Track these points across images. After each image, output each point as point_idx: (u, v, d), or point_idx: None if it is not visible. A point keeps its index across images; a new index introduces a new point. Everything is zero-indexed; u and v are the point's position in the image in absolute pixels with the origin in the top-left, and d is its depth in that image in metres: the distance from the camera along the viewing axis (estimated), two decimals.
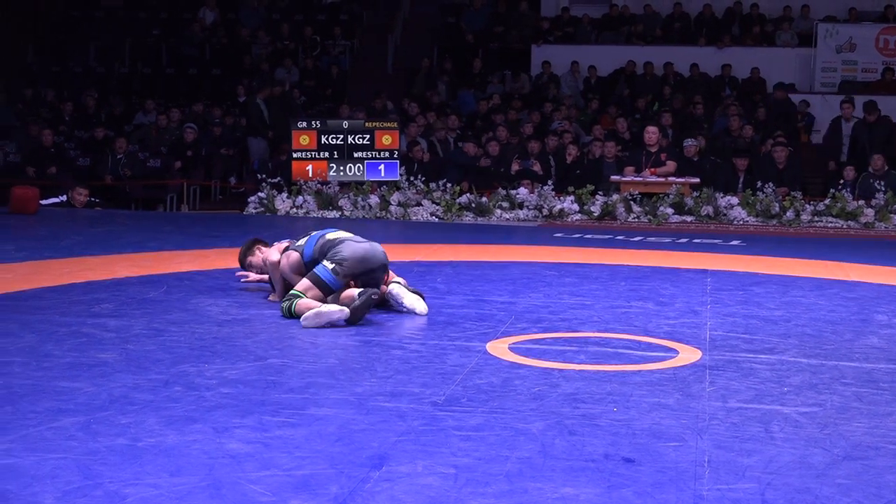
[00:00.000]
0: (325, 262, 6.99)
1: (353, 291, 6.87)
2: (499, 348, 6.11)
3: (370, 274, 7.07)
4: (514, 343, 6.27)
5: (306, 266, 7.16)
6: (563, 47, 21.46)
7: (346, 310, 6.63)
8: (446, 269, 9.32)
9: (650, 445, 4.33)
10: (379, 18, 23.03)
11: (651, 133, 15.10)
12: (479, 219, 14.13)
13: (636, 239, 12.01)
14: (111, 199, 15.60)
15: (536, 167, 15.65)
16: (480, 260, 10.04)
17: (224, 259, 9.55)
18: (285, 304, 6.93)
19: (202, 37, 21.94)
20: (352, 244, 7.09)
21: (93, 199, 14.46)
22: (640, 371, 5.64)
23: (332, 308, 6.66)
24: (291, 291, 6.99)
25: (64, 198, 14.17)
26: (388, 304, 7.22)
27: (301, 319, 6.65)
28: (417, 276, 8.81)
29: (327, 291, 6.92)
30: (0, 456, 4.07)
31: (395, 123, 15.62)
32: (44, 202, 14.08)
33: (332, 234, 7.26)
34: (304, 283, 6.98)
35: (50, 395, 4.93)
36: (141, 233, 11.51)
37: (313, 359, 5.79)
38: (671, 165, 14.84)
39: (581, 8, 22.85)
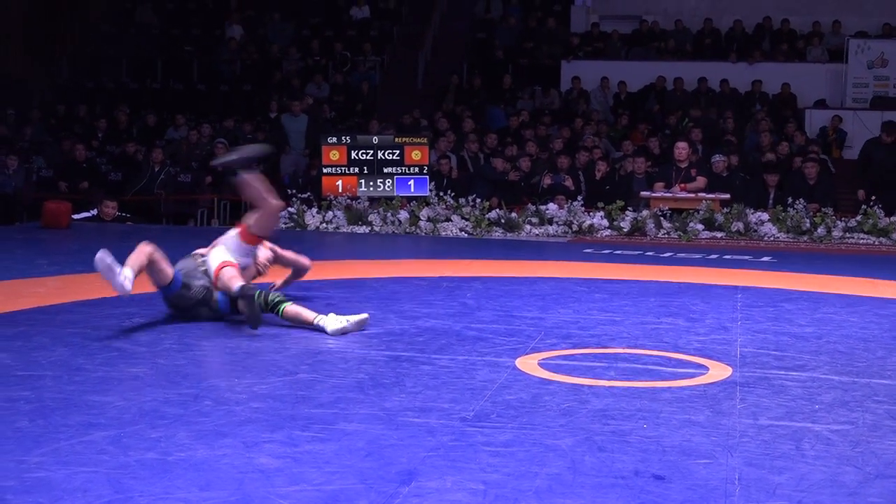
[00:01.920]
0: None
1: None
2: (528, 364, 6.10)
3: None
4: (543, 359, 6.25)
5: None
6: (593, 63, 21.45)
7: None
8: (476, 284, 9.32)
9: (680, 462, 4.32)
10: (409, 34, 23.09)
11: (681, 149, 15.06)
12: (508, 234, 14.12)
13: (666, 255, 11.98)
14: (142, 214, 15.67)
15: (568, 182, 15.64)
16: (510, 275, 10.02)
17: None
18: (272, 298, 7.07)
19: (233, 53, 22.06)
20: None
21: (122, 213, 14.53)
22: (670, 387, 5.61)
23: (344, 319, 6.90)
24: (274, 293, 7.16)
25: (95, 212, 14.25)
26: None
27: (331, 330, 6.80)
28: (447, 291, 8.82)
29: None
30: (32, 469, 4.09)
31: (425, 139, 15.65)
32: (75, 216, 14.18)
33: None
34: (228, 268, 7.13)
35: (81, 408, 4.96)
36: (172, 248, 11.52)
37: (343, 373, 5.80)
38: (701, 181, 14.79)
39: (611, 23, 22.85)
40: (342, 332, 6.84)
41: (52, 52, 22.47)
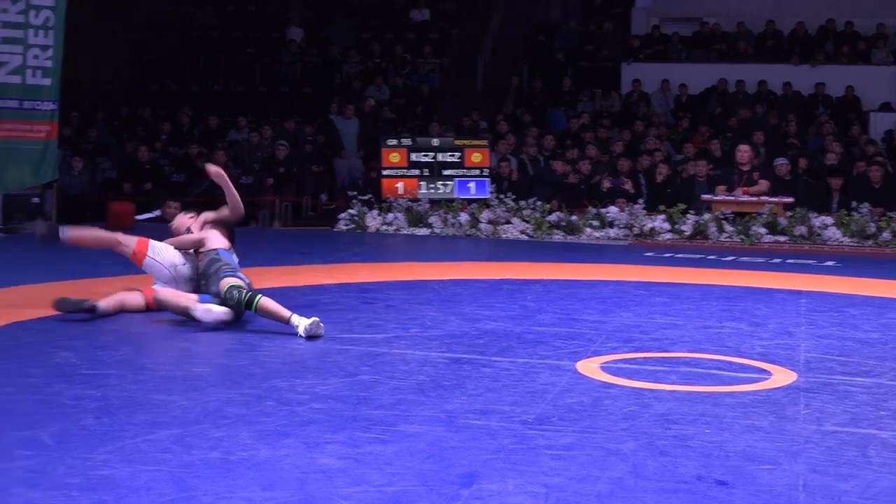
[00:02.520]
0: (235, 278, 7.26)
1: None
2: (589, 367, 6.08)
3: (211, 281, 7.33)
4: (605, 362, 6.23)
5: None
6: (654, 65, 21.31)
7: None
8: (536, 287, 9.30)
9: (743, 468, 4.28)
10: (469, 37, 23.08)
11: (743, 152, 14.93)
12: (568, 237, 14.08)
13: (728, 259, 11.89)
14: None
15: (628, 185, 15.57)
16: (570, 278, 10.00)
17: (315, 275, 9.64)
18: (246, 294, 7.06)
19: (294, 55, 22.17)
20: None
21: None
22: (732, 392, 5.57)
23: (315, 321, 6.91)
24: (237, 284, 7.17)
25: (158, 213, 14.39)
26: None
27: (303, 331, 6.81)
28: (507, 294, 8.81)
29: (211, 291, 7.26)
30: (97, 467, 4.13)
31: (486, 141, 15.63)
32: (139, 217, 14.31)
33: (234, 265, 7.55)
34: (234, 279, 7.22)
35: (145, 407, 5.01)
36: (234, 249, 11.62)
37: (404, 375, 5.81)
38: (764, 184, 14.66)
39: (672, 26, 22.69)
40: (315, 336, 6.84)
41: (116, 54, 22.71)
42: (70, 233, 7.68)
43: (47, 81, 13.50)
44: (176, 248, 7.69)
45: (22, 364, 5.88)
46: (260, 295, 7.10)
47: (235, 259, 7.66)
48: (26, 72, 13.33)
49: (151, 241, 7.69)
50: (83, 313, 7.19)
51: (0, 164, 13.25)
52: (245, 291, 7.09)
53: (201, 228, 7.83)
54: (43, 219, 7.60)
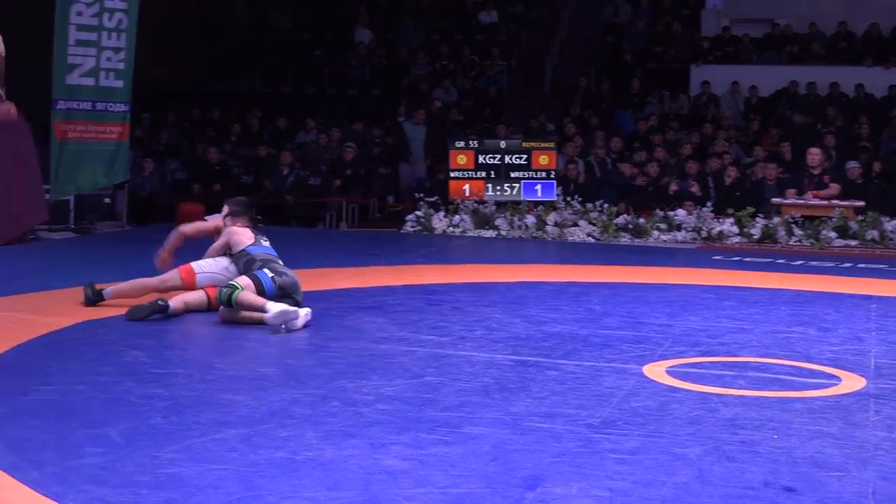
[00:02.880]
0: (266, 271, 7.36)
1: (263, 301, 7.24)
2: (656, 371, 6.05)
3: (290, 298, 7.36)
4: (671, 366, 6.19)
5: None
6: (724, 67, 21.12)
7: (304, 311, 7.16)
8: (603, 290, 9.26)
9: (812, 475, 4.24)
10: (537, 38, 23.04)
11: (814, 155, 14.76)
12: (636, 240, 14.00)
13: (797, 263, 11.76)
14: (272, 217, 15.89)
15: (694, 188, 15.45)
16: (637, 281, 9.94)
17: (382, 276, 9.67)
18: (225, 291, 7.19)
19: (362, 57, 22.27)
20: (289, 272, 7.53)
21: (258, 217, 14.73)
22: (801, 398, 5.51)
23: (288, 308, 7.06)
24: (231, 282, 7.30)
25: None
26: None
27: (269, 318, 6.97)
28: (573, 296, 8.78)
29: (260, 291, 7.29)
30: (165, 465, 4.18)
31: (553, 143, 15.59)
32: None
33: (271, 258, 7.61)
34: (245, 280, 7.30)
35: (213, 406, 5.06)
36: (301, 250, 11.71)
37: (469, 377, 5.81)
38: (835, 188, 14.47)
39: (742, 27, 22.48)
40: (282, 321, 6.94)
41: (186, 57, 22.95)
42: (112, 290, 7.80)
43: (120, 83, 13.67)
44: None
45: (93, 362, 5.97)
46: (238, 289, 7.22)
47: (265, 244, 7.74)
48: (99, 74, 13.51)
49: (192, 263, 7.82)
50: (157, 313, 7.28)
51: (73, 165, 13.43)
52: (225, 290, 7.22)
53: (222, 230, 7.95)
54: (88, 284, 7.76)
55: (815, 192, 14.39)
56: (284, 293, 7.38)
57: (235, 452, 4.37)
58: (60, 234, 13.32)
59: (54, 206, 13.18)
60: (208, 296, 7.53)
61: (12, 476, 4.04)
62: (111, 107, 13.62)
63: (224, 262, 7.72)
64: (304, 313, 7.18)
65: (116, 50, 13.57)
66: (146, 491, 3.90)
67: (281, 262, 7.63)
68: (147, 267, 8.43)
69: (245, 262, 7.54)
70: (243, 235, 7.76)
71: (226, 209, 8.06)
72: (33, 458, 4.24)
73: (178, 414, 4.91)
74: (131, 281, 7.91)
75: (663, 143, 17.37)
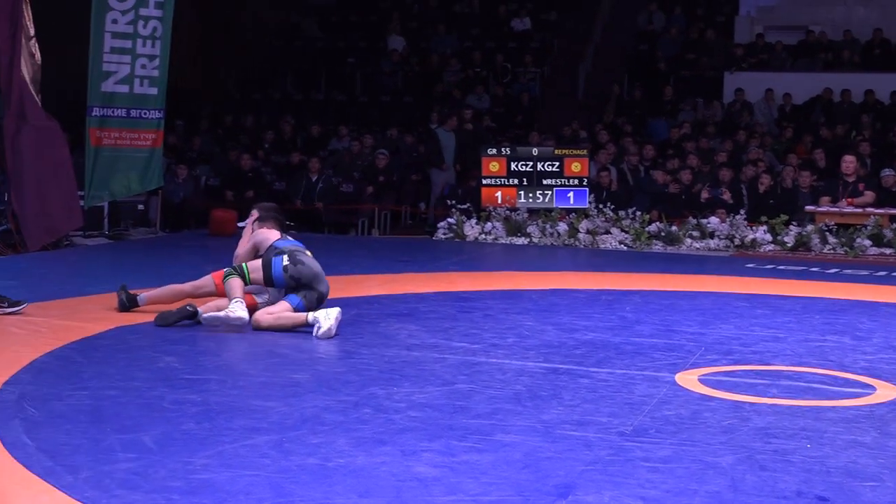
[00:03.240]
0: (284, 258, 7.45)
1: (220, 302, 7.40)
2: (688, 380, 6.02)
3: (309, 290, 7.44)
4: (704, 375, 6.17)
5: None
6: (757, 74, 21.04)
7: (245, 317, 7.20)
8: (635, 297, 9.24)
9: (845, 484, 4.21)
10: (570, 46, 23.02)
11: (848, 162, 14.67)
12: (668, 248, 13.96)
13: (831, 271, 11.69)
14: (305, 223, 15.93)
15: (726, 196, 15.39)
16: (670, 289, 9.91)
17: (414, 283, 9.68)
18: (227, 270, 7.43)
19: (395, 65, 22.31)
20: (312, 261, 7.58)
21: (287, 222, 14.78)
22: (835, 407, 5.48)
23: (232, 314, 7.15)
24: (239, 266, 7.51)
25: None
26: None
27: (203, 315, 7.25)
28: (605, 304, 8.76)
29: (268, 280, 7.46)
30: (197, 471, 4.20)
31: (585, 151, 15.57)
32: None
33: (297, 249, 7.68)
34: (256, 264, 7.51)
35: (245, 413, 5.07)
36: (333, 256, 11.73)
37: (500, 385, 5.81)
38: (869, 196, 14.38)
39: (776, 34, 22.39)
40: (217, 322, 7.14)
41: (220, 64, 23.07)
42: (146, 296, 7.86)
43: (154, 90, 13.75)
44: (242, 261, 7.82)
45: (126, 368, 6.00)
46: (233, 274, 7.39)
47: (289, 241, 7.80)
48: (134, 81, 13.59)
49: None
50: (186, 319, 7.31)
51: (108, 172, 13.51)
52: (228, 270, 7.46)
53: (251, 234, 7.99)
54: (122, 288, 7.82)
55: (849, 199, 14.30)
56: (300, 284, 7.40)
57: (267, 459, 4.38)
58: (94, 240, 13.41)
59: (88, 212, 13.28)
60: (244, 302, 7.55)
61: (46, 481, 4.07)
62: (145, 114, 13.70)
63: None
64: (321, 319, 7.17)
65: (151, 57, 13.65)
66: (178, 496, 3.92)
67: (309, 254, 7.65)
68: (180, 272, 8.49)
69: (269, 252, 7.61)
70: (269, 234, 7.79)
71: (255, 213, 8.08)
72: (67, 463, 4.26)
73: (210, 420, 4.93)
74: (165, 287, 7.95)
75: (696, 151, 17.31)
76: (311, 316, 7.16)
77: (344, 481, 4.12)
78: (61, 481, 4.06)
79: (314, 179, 16.54)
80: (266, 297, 7.63)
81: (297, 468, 4.27)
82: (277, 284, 7.46)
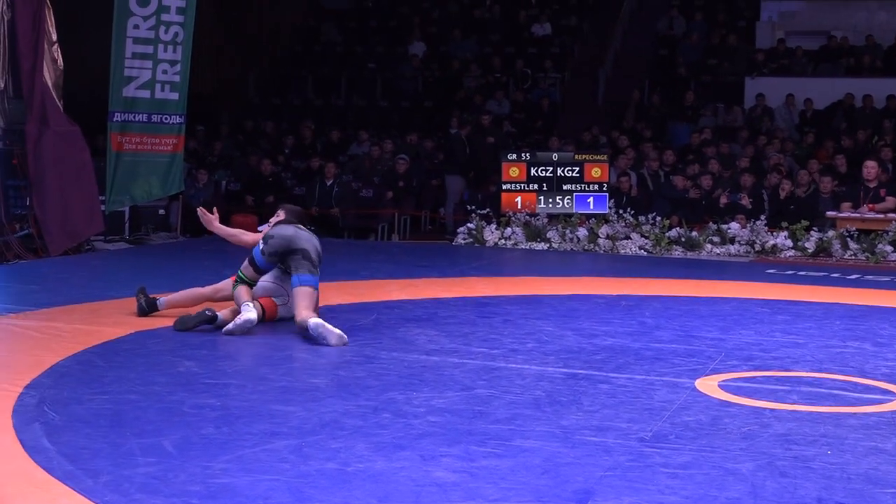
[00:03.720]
0: (260, 243, 7.59)
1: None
2: (708, 385, 6.01)
3: (291, 254, 7.48)
4: (724, 380, 6.15)
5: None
6: (778, 79, 20.97)
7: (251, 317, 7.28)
8: (655, 303, 9.22)
9: (866, 491, 4.19)
10: (590, 51, 23.02)
11: (870, 168, 14.61)
12: (688, 253, 13.92)
13: (852, 277, 11.64)
14: (323, 228, 15.96)
15: (745, 201, 15.34)
16: (690, 295, 9.89)
17: (433, 288, 9.68)
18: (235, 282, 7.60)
19: (415, 70, 22.34)
20: (282, 228, 7.66)
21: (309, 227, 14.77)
22: (855, 413, 5.46)
23: (240, 319, 7.24)
24: (238, 272, 7.62)
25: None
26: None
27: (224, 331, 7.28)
28: (625, 310, 8.75)
29: (256, 269, 7.58)
30: (217, 475, 4.21)
31: (605, 156, 15.55)
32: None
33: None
34: (245, 262, 7.62)
35: (264, 417, 5.08)
36: (353, 261, 11.76)
37: (520, 390, 5.80)
38: (891, 201, 14.31)
39: (797, 39, 22.32)
40: (239, 330, 7.18)
41: (240, 69, 23.14)
42: (166, 300, 7.93)
43: (175, 96, 13.80)
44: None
45: (146, 372, 6.02)
46: (237, 283, 7.55)
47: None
48: (155, 86, 13.65)
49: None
50: (205, 324, 7.33)
51: (129, 177, 13.57)
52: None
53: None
54: (140, 290, 7.86)
55: (870, 205, 14.25)
56: (282, 256, 7.49)
57: (286, 463, 4.39)
58: (115, 244, 13.46)
59: (109, 216, 13.33)
60: (262, 306, 7.56)
61: (66, 484, 4.09)
62: (166, 119, 13.76)
63: (277, 272, 7.74)
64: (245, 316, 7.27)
65: (172, 62, 13.71)
66: (197, 501, 3.93)
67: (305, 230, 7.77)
68: (200, 277, 8.51)
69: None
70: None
71: (280, 214, 8.07)
72: (87, 467, 4.28)
73: (229, 424, 4.94)
74: (185, 290, 7.97)
75: (717, 156, 17.27)
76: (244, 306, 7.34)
77: (363, 486, 4.13)
78: (81, 485, 4.07)
79: (329, 184, 16.55)
80: (284, 298, 7.64)
81: (316, 473, 4.27)
82: (264, 268, 7.56)
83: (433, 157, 18.57)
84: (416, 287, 9.78)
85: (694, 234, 14.13)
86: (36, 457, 4.42)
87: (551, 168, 14.96)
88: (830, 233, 13.86)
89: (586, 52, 23.00)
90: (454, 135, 18.25)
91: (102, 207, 13.03)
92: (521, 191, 14.93)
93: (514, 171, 14.97)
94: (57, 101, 12.26)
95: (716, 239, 14.05)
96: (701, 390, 5.89)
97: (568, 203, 14.89)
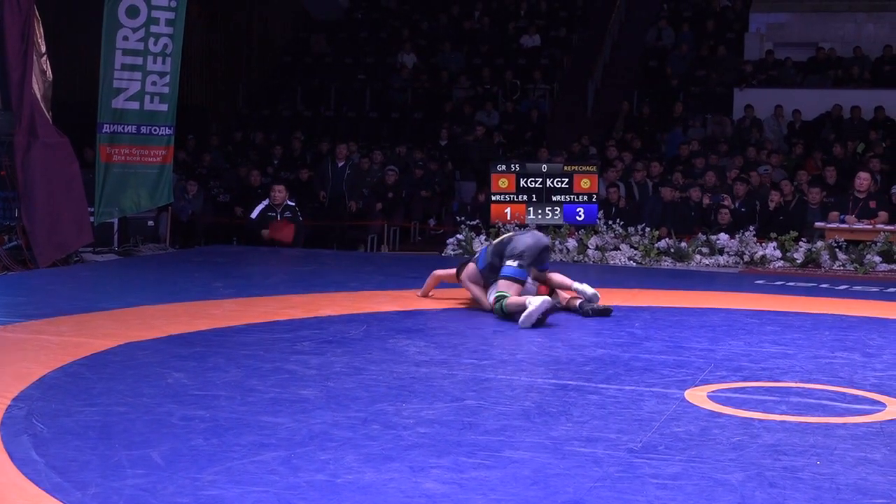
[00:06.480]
0: (509, 262, 8.38)
1: (524, 299, 8.23)
2: (697, 396, 6.01)
3: (543, 254, 8.68)
4: (713, 391, 6.15)
5: (481, 273, 8.90)
6: (767, 91, 21.07)
7: (548, 299, 8.15)
8: (644, 314, 9.23)
9: (855, 502, 4.19)
10: (579, 62, 23.08)
11: (863, 179, 14.62)
12: (678, 264, 13.94)
13: (841, 287, 11.66)
14: (315, 239, 15.95)
15: (727, 201, 15.37)
16: (679, 306, 9.90)
17: (422, 300, 9.68)
18: (497, 306, 8.39)
19: (404, 81, 22.37)
20: (519, 237, 8.66)
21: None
22: (844, 424, 5.46)
23: (534, 302, 8.00)
24: (497, 293, 8.42)
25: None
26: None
27: (519, 324, 8.07)
28: (615, 321, 8.75)
29: (521, 284, 8.45)
30: (205, 487, 4.20)
31: (595, 167, 15.58)
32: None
33: (498, 239, 8.81)
34: (502, 283, 8.44)
35: (253, 428, 5.07)
36: (342, 272, 11.75)
37: (509, 401, 5.80)
38: (883, 216, 14.32)
39: (786, 51, 22.41)
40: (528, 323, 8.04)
41: (230, 81, 23.16)
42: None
43: (164, 107, 13.80)
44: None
45: (135, 384, 6.00)
46: (504, 297, 8.38)
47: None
48: (144, 98, 13.65)
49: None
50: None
51: (118, 188, 13.56)
52: (496, 305, 8.45)
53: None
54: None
55: (855, 215, 14.27)
56: (501, 257, 8.50)
57: (276, 475, 4.38)
58: (104, 256, 13.44)
59: (98, 228, 13.31)
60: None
61: (55, 497, 4.07)
62: (156, 130, 13.76)
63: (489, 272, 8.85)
64: (537, 303, 7.99)
65: (161, 74, 13.71)
66: None
67: (507, 237, 8.80)
68: (190, 289, 8.50)
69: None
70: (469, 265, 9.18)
71: (453, 271, 9.33)
72: (76, 479, 4.27)
73: (218, 436, 4.93)
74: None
75: (707, 167, 17.32)
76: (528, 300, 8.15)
77: (352, 498, 4.12)
78: (70, 497, 4.06)
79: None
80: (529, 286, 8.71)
81: (305, 484, 4.26)
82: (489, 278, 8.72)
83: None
84: (406, 298, 9.77)
85: (683, 244, 14.15)
86: (24, 469, 4.40)
87: (541, 179, 14.98)
88: (819, 243, 13.89)
89: (575, 64, 23.06)
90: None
91: (91, 219, 13.01)
92: (510, 202, 14.95)
93: (503, 182, 14.99)
94: (46, 112, 12.24)
95: (705, 250, 14.07)
96: (690, 401, 5.89)
97: (557, 214, 14.92)
